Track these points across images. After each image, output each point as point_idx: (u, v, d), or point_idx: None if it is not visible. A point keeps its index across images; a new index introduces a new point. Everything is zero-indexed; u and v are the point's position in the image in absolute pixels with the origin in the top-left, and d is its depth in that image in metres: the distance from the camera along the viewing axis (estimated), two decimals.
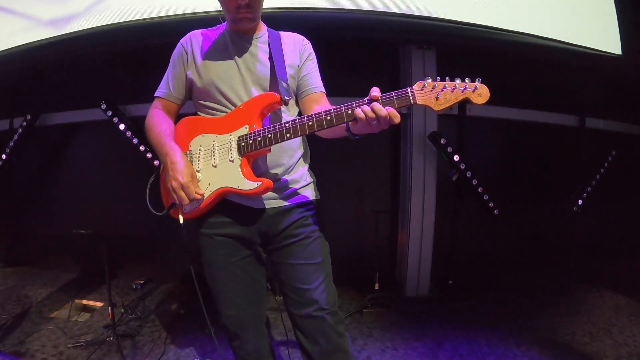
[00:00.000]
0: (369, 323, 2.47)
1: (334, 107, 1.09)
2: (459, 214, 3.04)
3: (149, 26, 2.46)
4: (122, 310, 2.51)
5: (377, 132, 1.04)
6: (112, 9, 2.51)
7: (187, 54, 1.27)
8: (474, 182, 2.82)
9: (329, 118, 1.06)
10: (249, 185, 1.14)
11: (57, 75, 2.98)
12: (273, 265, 1.33)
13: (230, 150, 1.17)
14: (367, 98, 1.02)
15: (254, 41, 1.27)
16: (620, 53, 2.95)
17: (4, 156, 2.97)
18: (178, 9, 2.42)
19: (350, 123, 1.05)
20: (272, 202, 1.25)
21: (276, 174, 1.24)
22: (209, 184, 1.19)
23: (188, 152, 1.24)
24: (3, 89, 3.09)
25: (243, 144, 1.15)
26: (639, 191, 3.52)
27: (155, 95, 1.33)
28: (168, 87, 1.31)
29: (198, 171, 1.21)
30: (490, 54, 2.85)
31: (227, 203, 1.23)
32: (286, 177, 1.26)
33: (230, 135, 1.18)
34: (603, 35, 2.92)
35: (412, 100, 1.03)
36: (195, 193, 1.15)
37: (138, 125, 2.82)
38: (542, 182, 3.30)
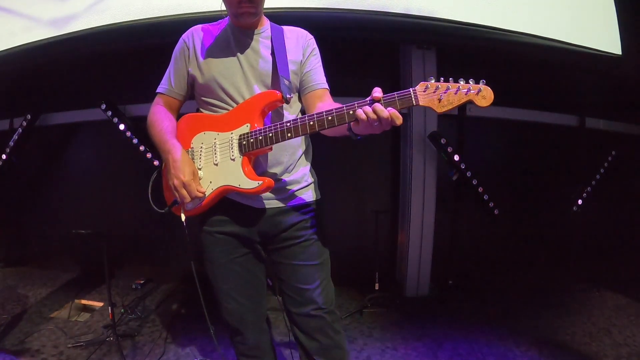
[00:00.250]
0: (369, 323, 2.47)
1: (336, 106, 1.08)
2: (459, 214, 3.05)
3: (148, 26, 2.46)
4: (122, 310, 2.51)
5: (378, 133, 1.04)
6: (111, 9, 2.51)
7: (188, 49, 1.27)
8: (474, 182, 2.82)
9: (330, 118, 1.05)
10: (250, 184, 1.13)
11: (57, 75, 2.98)
12: (272, 265, 1.33)
13: (232, 148, 1.17)
14: (369, 98, 1.01)
15: (256, 36, 1.25)
16: (620, 53, 2.95)
17: (4, 156, 2.97)
18: (178, 9, 2.42)
19: (352, 123, 1.04)
20: (273, 202, 1.25)
21: (276, 173, 1.23)
22: (211, 182, 1.19)
23: (190, 149, 1.24)
24: (3, 89, 3.09)
25: (244, 142, 1.15)
26: (639, 191, 3.52)
27: (157, 91, 1.32)
28: (170, 83, 1.30)
29: (200, 169, 1.21)
30: (490, 54, 2.85)
31: (228, 201, 1.23)
32: (287, 176, 1.26)
33: (232, 133, 1.18)
34: (603, 35, 2.92)
35: (414, 102, 1.00)
36: (197, 191, 1.16)
37: (138, 125, 2.82)
38: (542, 182, 3.30)
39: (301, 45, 1.29)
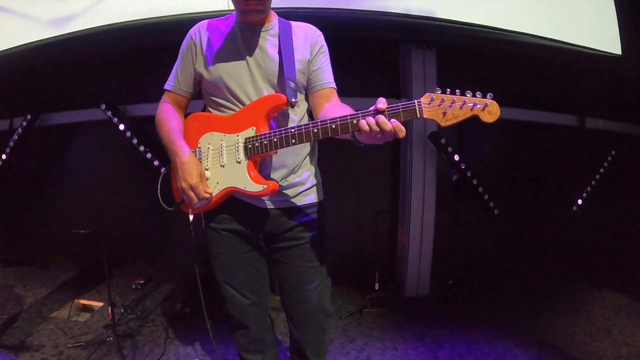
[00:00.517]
0: (369, 323, 2.47)
1: (342, 109, 1.10)
2: (459, 214, 3.04)
3: (148, 26, 2.46)
4: (122, 310, 2.51)
5: (381, 144, 1.04)
6: (112, 8, 2.51)
7: (195, 46, 1.26)
8: (474, 182, 2.82)
9: (333, 127, 1.05)
10: (255, 187, 1.16)
11: (57, 75, 2.98)
12: (273, 262, 1.37)
13: (237, 151, 1.18)
14: (372, 108, 1.00)
15: (263, 34, 1.24)
16: (620, 53, 2.95)
17: (4, 156, 2.97)
18: (178, 9, 2.42)
19: (355, 132, 1.04)
20: (277, 203, 1.27)
21: (281, 174, 1.25)
22: (217, 183, 1.21)
23: (197, 149, 1.26)
24: (3, 89, 3.09)
25: (249, 146, 1.16)
26: (639, 191, 3.52)
27: (164, 87, 1.33)
28: (177, 80, 1.30)
29: (207, 169, 1.23)
30: (490, 54, 2.85)
31: (233, 200, 1.25)
32: (292, 178, 1.27)
33: (238, 135, 1.19)
34: (603, 35, 2.92)
35: (418, 114, 0.99)
36: (204, 192, 1.18)
37: (138, 125, 2.82)
38: (542, 182, 3.30)
39: (309, 43, 1.27)
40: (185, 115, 1.34)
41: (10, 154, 2.97)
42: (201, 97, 1.35)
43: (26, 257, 3.40)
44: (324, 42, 1.31)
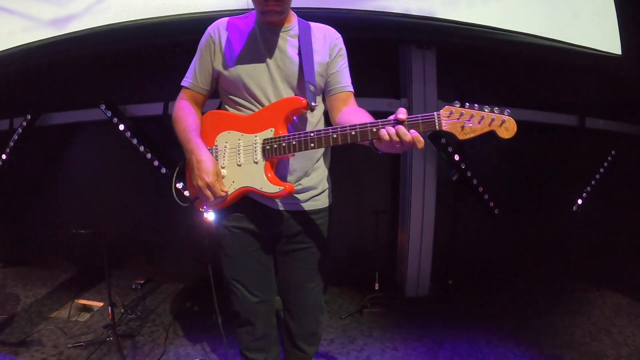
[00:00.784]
0: (369, 323, 2.47)
1: (360, 114, 1.13)
2: (459, 214, 3.04)
3: (148, 26, 2.46)
4: (122, 310, 2.51)
5: (399, 153, 1.05)
6: (112, 9, 2.51)
7: (214, 43, 1.26)
8: (474, 182, 2.82)
9: (353, 133, 1.07)
10: (272, 188, 1.17)
11: (57, 75, 2.98)
12: (278, 261, 1.40)
13: (255, 151, 1.19)
14: (392, 118, 1.02)
15: (283, 34, 1.24)
16: (620, 53, 2.95)
17: (4, 156, 2.97)
18: (178, 9, 2.42)
19: (374, 140, 1.06)
20: (289, 205, 1.28)
21: (296, 177, 1.26)
22: (233, 182, 1.22)
23: (214, 147, 1.26)
24: (3, 89, 3.09)
25: (268, 147, 1.17)
26: (639, 191, 3.52)
27: (181, 84, 1.33)
28: (195, 77, 1.30)
29: (223, 167, 1.23)
30: (490, 54, 2.85)
31: (246, 199, 1.26)
32: (305, 181, 1.29)
33: (256, 136, 1.20)
34: (603, 35, 2.92)
35: (437, 126, 1.01)
36: (220, 191, 1.18)
37: (138, 125, 2.82)
38: (542, 182, 3.30)
39: (328, 45, 1.28)
40: (203, 113, 1.35)
41: (10, 154, 2.98)
42: (216, 96, 1.35)
43: (26, 257, 3.40)
44: (342, 45, 1.33)
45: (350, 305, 2.70)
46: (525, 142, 3.27)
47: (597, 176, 3.26)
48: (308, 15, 2.42)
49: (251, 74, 1.21)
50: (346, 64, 1.33)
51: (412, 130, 0.99)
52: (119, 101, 2.83)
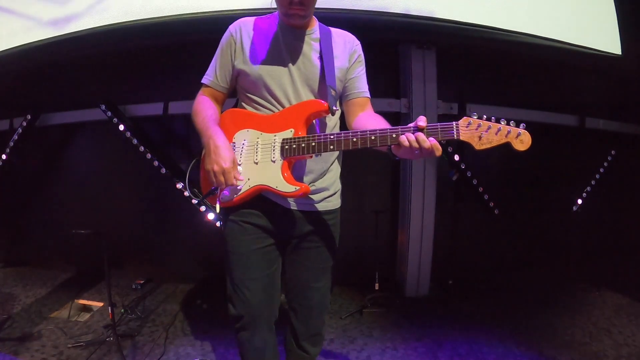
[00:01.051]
0: (369, 323, 2.47)
1: (377, 120, 1.15)
2: (459, 214, 3.04)
3: (148, 26, 2.46)
4: (122, 310, 2.51)
5: (416, 159, 1.07)
6: (112, 8, 2.52)
7: (235, 43, 1.26)
8: (474, 182, 2.82)
9: (373, 138, 1.09)
10: (287, 187, 1.17)
11: (57, 75, 2.98)
12: (285, 261, 1.39)
13: (274, 150, 1.19)
14: (412, 125, 1.05)
15: (305, 37, 1.25)
16: (620, 53, 2.96)
17: (4, 156, 2.97)
18: (178, 9, 2.42)
19: (393, 146, 1.08)
20: (301, 205, 1.29)
21: (310, 179, 1.27)
22: (249, 179, 1.22)
23: (231, 144, 1.25)
24: (3, 89, 3.09)
25: (287, 147, 1.17)
26: (638, 191, 3.52)
27: (202, 81, 1.33)
28: (215, 75, 1.31)
29: (239, 164, 1.22)
30: (490, 54, 2.85)
31: (260, 197, 1.25)
32: (319, 183, 1.30)
33: (275, 135, 1.20)
34: (603, 35, 2.92)
35: (455, 135, 1.04)
36: (235, 179, 1.17)
37: (138, 126, 2.82)
38: (542, 182, 3.30)
39: (348, 51, 1.30)
40: (221, 111, 1.35)
41: (10, 154, 2.98)
42: (231, 95, 1.36)
43: (26, 257, 3.40)
44: (361, 52, 1.35)
45: (350, 305, 2.70)
46: None
47: (597, 176, 3.26)
48: None
49: (272, 75, 1.22)
50: (364, 70, 1.35)
51: (431, 138, 1.02)
52: (119, 101, 2.83)
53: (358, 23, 2.43)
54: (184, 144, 3.02)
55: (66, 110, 3.00)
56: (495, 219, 2.89)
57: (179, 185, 2.67)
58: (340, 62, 1.27)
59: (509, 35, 2.63)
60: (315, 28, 1.28)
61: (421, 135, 1.02)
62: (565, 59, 2.85)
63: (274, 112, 1.24)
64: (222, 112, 1.34)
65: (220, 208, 1.25)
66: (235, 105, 1.35)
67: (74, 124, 3.06)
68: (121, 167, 3.07)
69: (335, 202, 1.37)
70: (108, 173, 3.12)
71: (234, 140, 1.26)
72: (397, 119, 2.77)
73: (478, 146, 1.04)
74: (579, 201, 3.16)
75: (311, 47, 1.25)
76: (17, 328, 2.32)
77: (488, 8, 2.63)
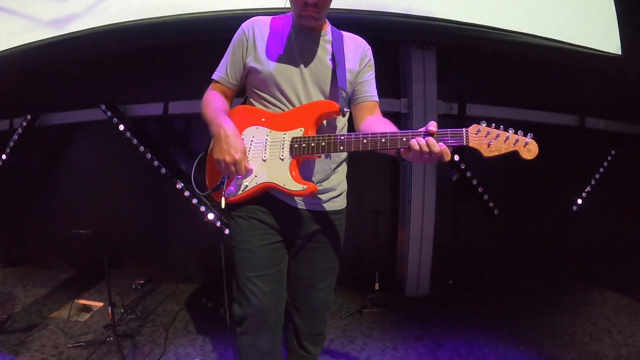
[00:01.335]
0: (369, 323, 2.47)
1: (386, 124, 1.16)
2: (459, 214, 3.04)
3: (148, 26, 2.46)
4: (122, 310, 2.51)
5: (424, 164, 1.08)
6: (112, 8, 2.52)
7: (247, 40, 1.26)
8: (474, 182, 2.81)
9: (383, 141, 1.09)
10: (295, 186, 1.16)
11: (57, 75, 2.98)
12: (291, 259, 1.38)
13: (282, 148, 1.19)
14: (422, 129, 1.06)
15: (318, 39, 1.27)
16: (620, 53, 2.96)
17: (4, 156, 2.97)
18: (178, 9, 2.42)
19: (402, 149, 1.09)
20: (308, 204, 1.29)
21: (317, 179, 1.27)
22: (256, 176, 1.21)
23: None
24: (3, 89, 3.09)
25: (296, 145, 1.17)
26: (638, 191, 3.52)
27: (212, 77, 1.33)
28: (225, 71, 1.31)
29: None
30: (490, 54, 2.85)
31: (266, 195, 1.25)
32: (327, 183, 1.30)
33: (285, 134, 1.20)
34: (603, 35, 2.92)
35: (465, 142, 1.06)
36: (245, 168, 1.16)
37: (138, 126, 2.82)
38: (541, 182, 3.30)
39: (359, 55, 1.32)
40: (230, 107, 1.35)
41: (10, 154, 2.98)
42: (239, 95, 1.36)
43: (26, 257, 3.40)
44: (371, 56, 1.36)
45: (350, 305, 2.70)
46: None
47: (597, 176, 3.26)
48: None
49: (284, 74, 1.23)
50: (374, 75, 1.36)
51: (441, 143, 1.04)
52: (119, 101, 2.83)
53: (358, 23, 2.43)
54: (184, 144, 3.02)
55: (66, 110, 3.00)
56: (495, 219, 2.89)
57: (179, 186, 2.67)
58: (351, 65, 1.28)
59: (509, 35, 2.63)
60: (327, 30, 1.30)
61: (431, 140, 1.04)
62: (565, 59, 2.85)
63: (283, 110, 1.24)
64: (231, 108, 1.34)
65: (226, 204, 1.23)
66: (244, 104, 1.35)
67: (74, 124, 3.06)
68: (121, 167, 3.07)
69: (341, 203, 1.38)
70: (108, 173, 3.12)
71: (242, 137, 1.25)
72: (397, 119, 2.78)
73: (486, 153, 1.06)
74: (579, 201, 3.16)
75: (323, 49, 1.27)
76: (17, 328, 2.32)
77: (488, 8, 2.63)
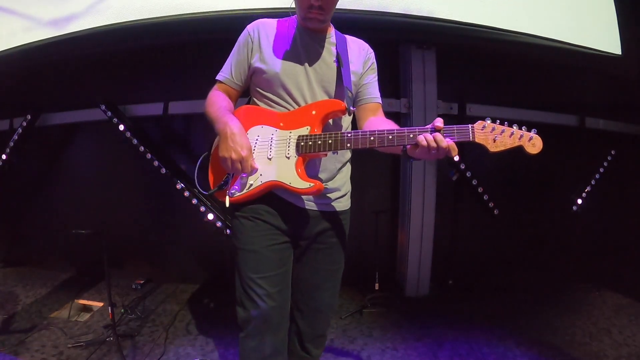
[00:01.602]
0: (369, 323, 2.47)
1: (389, 124, 1.17)
2: (459, 214, 3.04)
3: (148, 26, 2.46)
4: (122, 310, 2.51)
5: (431, 160, 1.08)
6: (112, 8, 2.52)
7: (252, 42, 1.27)
8: (474, 182, 2.82)
9: (390, 137, 1.10)
10: (301, 184, 1.16)
11: (57, 75, 2.98)
12: (295, 261, 1.37)
13: (289, 147, 1.19)
14: (429, 126, 1.07)
15: (322, 41, 1.28)
16: (620, 53, 2.96)
17: (4, 156, 2.97)
18: (178, 9, 2.42)
19: (408, 146, 1.10)
20: (313, 204, 1.29)
21: (323, 178, 1.27)
22: (261, 175, 1.20)
23: None
24: (3, 89, 3.09)
25: (302, 143, 1.17)
26: (638, 191, 3.52)
27: (216, 77, 1.34)
28: (230, 72, 1.31)
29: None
30: (490, 54, 2.85)
31: (271, 195, 1.24)
32: (332, 183, 1.30)
33: (291, 132, 1.20)
34: (603, 35, 2.92)
35: (471, 137, 1.07)
36: (251, 167, 1.16)
37: (138, 126, 2.82)
38: (541, 182, 3.30)
39: (362, 58, 1.33)
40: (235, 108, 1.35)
41: (10, 154, 2.98)
42: (243, 95, 1.36)
43: (26, 257, 3.40)
44: (374, 60, 1.38)
45: (350, 305, 2.70)
46: None
47: (597, 176, 3.26)
48: None
49: (289, 74, 1.23)
50: (376, 78, 1.38)
51: (448, 139, 1.05)
52: (119, 101, 2.83)
53: (358, 23, 2.43)
54: (184, 144, 3.02)
55: (66, 110, 3.00)
56: (495, 219, 2.89)
57: (179, 186, 2.67)
58: (354, 66, 1.29)
59: (509, 35, 2.63)
60: (332, 33, 1.31)
61: (439, 135, 1.04)
62: (565, 59, 2.85)
63: (289, 110, 1.25)
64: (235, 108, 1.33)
65: (230, 204, 1.22)
66: (248, 104, 1.36)
67: (74, 124, 3.06)
68: (121, 167, 3.07)
69: (345, 203, 1.38)
70: (108, 173, 3.12)
71: (247, 136, 1.24)
72: (397, 119, 2.77)
73: (492, 148, 1.07)
74: (579, 201, 3.16)
75: (328, 51, 1.28)
76: (17, 328, 2.32)
77: (488, 8, 2.63)
